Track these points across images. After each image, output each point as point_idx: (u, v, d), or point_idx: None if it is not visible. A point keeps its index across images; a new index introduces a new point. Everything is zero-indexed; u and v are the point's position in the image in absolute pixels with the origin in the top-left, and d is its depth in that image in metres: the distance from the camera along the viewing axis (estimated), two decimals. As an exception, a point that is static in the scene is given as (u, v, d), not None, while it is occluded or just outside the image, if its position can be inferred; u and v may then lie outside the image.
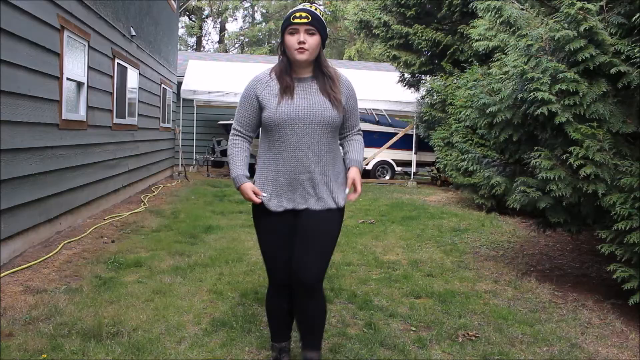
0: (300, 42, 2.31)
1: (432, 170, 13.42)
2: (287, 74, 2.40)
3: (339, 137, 2.55)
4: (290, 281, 2.47)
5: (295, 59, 2.35)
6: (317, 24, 2.33)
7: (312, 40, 2.33)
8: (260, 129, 2.52)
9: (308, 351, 2.54)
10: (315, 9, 2.37)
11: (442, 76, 10.21)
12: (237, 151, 2.49)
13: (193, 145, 13.77)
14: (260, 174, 2.49)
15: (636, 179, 3.53)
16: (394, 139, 12.90)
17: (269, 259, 2.53)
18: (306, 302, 2.48)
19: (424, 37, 10.52)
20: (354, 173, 2.46)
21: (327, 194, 2.42)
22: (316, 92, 2.39)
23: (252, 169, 2.40)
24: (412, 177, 13.29)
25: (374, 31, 12.08)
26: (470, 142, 7.83)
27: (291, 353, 2.85)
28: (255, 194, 2.43)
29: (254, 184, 2.47)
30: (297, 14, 2.32)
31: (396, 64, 11.75)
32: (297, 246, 2.43)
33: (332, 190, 2.43)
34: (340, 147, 2.56)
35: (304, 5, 2.38)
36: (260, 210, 2.48)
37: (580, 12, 3.68)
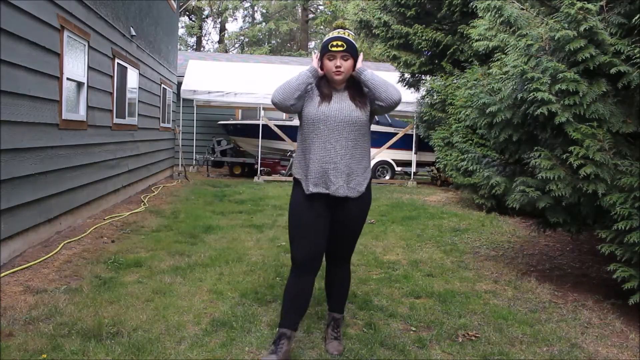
0: (337, 67, 2.80)
1: (432, 170, 13.42)
2: (327, 85, 2.89)
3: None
4: (310, 265, 2.82)
5: (333, 79, 2.84)
6: (351, 50, 2.79)
7: (347, 64, 2.81)
8: (298, 129, 2.96)
9: (334, 312, 3.09)
10: (348, 35, 2.82)
11: (442, 76, 10.20)
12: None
13: (193, 145, 13.77)
14: (296, 160, 2.93)
15: (636, 178, 3.53)
16: (394, 139, 12.90)
17: (296, 239, 2.84)
18: (338, 273, 3.05)
19: (424, 37, 10.52)
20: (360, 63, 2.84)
21: (346, 184, 2.78)
22: (347, 99, 2.85)
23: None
24: (412, 177, 13.29)
25: (374, 31, 12.08)
26: (470, 142, 7.84)
27: (292, 352, 2.85)
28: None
29: (291, 168, 2.81)
30: (335, 43, 2.77)
31: (396, 64, 11.74)
32: (336, 231, 2.87)
33: (352, 181, 2.80)
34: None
35: (338, 32, 2.84)
36: (297, 192, 2.88)
37: (580, 12, 3.68)
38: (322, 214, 2.83)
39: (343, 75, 2.81)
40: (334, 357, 2.88)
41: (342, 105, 2.82)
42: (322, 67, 2.86)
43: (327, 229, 2.86)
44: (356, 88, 2.88)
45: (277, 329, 2.86)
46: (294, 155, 2.90)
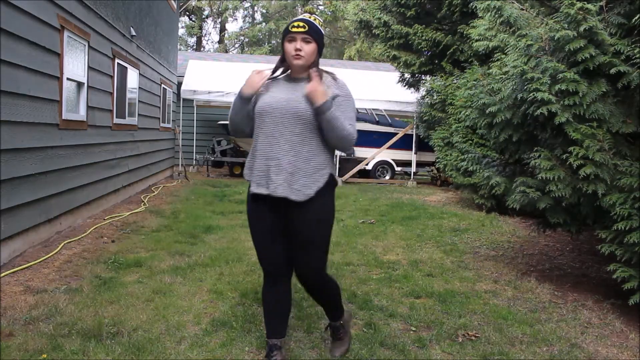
0: (296, 50, 2.53)
1: (432, 170, 13.42)
2: (282, 72, 2.64)
3: None
4: (278, 272, 2.65)
5: (292, 63, 2.57)
6: (313, 34, 2.54)
7: (308, 48, 2.54)
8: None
9: (330, 320, 2.90)
10: (315, 20, 2.58)
11: (442, 76, 10.21)
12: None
13: (193, 145, 13.77)
14: (247, 159, 2.66)
15: (636, 179, 3.53)
16: (394, 139, 12.90)
17: (255, 245, 2.67)
18: (317, 291, 2.75)
19: (424, 37, 10.52)
20: (322, 90, 2.46)
21: (288, 184, 2.48)
22: (302, 88, 2.52)
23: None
24: (412, 177, 13.29)
25: (374, 31, 12.08)
26: (470, 142, 7.83)
27: (291, 353, 2.85)
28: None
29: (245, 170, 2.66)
30: (296, 24, 2.54)
31: (396, 64, 11.74)
32: (291, 243, 2.60)
33: (297, 182, 2.48)
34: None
35: (303, 16, 2.60)
36: (249, 199, 2.63)
37: (580, 12, 3.68)
38: (272, 218, 2.56)
39: (303, 59, 2.53)
40: (324, 355, 2.88)
41: (291, 96, 2.53)
42: (283, 53, 2.60)
43: (280, 233, 2.59)
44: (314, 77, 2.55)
45: (266, 339, 2.74)
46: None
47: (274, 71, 2.66)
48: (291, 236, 2.57)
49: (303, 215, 2.52)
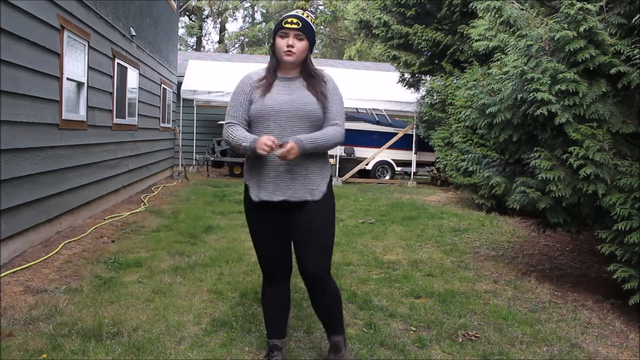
0: (288, 46, 2.50)
1: (432, 170, 13.42)
2: (274, 71, 2.57)
3: (323, 126, 2.59)
4: (281, 273, 2.66)
5: (283, 59, 2.53)
6: (306, 31, 2.51)
7: (300, 45, 2.51)
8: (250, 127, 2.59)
9: (333, 336, 2.68)
10: (307, 17, 2.55)
11: (442, 76, 10.21)
12: (235, 128, 2.54)
13: (193, 145, 13.77)
14: (247, 166, 2.61)
15: (636, 179, 3.53)
16: (394, 139, 12.89)
17: (259, 249, 2.66)
18: (320, 293, 2.61)
19: (424, 37, 10.52)
20: (291, 143, 2.38)
21: (304, 187, 2.51)
22: (301, 88, 2.54)
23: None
24: (412, 177, 13.29)
25: (374, 31, 12.08)
26: (470, 142, 7.83)
27: (291, 353, 2.85)
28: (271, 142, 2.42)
29: (244, 176, 2.63)
30: (289, 19, 2.50)
31: (396, 64, 11.75)
32: (296, 242, 2.58)
33: (310, 183, 2.52)
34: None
35: (296, 12, 2.56)
36: (249, 204, 2.61)
37: (580, 12, 3.68)
38: (279, 222, 2.56)
39: (295, 56, 2.50)
40: (325, 356, 2.86)
41: (293, 96, 2.50)
42: (273, 48, 2.56)
43: (285, 235, 2.58)
44: (312, 77, 2.57)
45: (266, 340, 2.76)
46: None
47: (269, 72, 2.58)
48: (300, 235, 2.54)
49: (315, 212, 2.52)
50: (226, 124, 2.59)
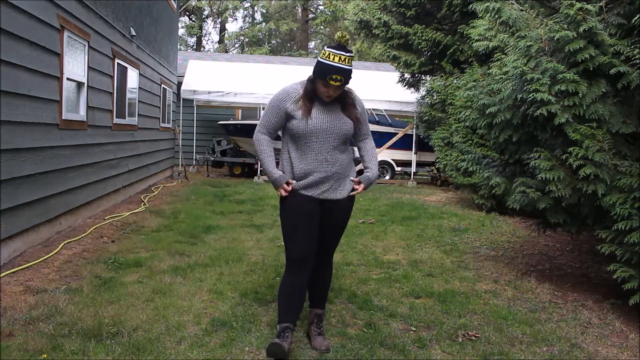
0: (329, 95, 2.86)
1: (432, 170, 13.42)
2: (312, 97, 2.91)
3: (356, 140, 3.14)
4: (308, 259, 2.92)
5: (322, 99, 2.89)
6: (347, 81, 2.81)
7: (339, 91, 2.87)
8: (281, 132, 3.01)
9: (317, 309, 3.14)
10: (348, 62, 2.76)
11: (442, 76, 10.21)
12: (265, 145, 2.97)
13: (193, 145, 13.77)
14: (284, 167, 2.98)
15: (636, 179, 3.53)
16: (394, 139, 12.89)
17: (293, 234, 2.92)
18: (323, 270, 3.12)
19: (424, 37, 10.52)
20: (362, 187, 3.03)
21: (342, 187, 2.98)
22: (337, 111, 2.93)
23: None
24: (412, 177, 13.30)
25: (374, 31, 12.08)
26: (470, 142, 7.84)
27: (292, 352, 2.85)
28: (288, 183, 2.92)
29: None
30: (335, 77, 2.75)
31: (396, 64, 11.75)
32: (327, 231, 2.99)
33: (346, 184, 2.99)
34: (357, 149, 3.17)
35: (340, 61, 2.75)
36: (298, 197, 2.93)
37: (580, 12, 3.68)
38: (317, 212, 2.93)
39: (331, 98, 2.88)
40: (325, 355, 2.90)
41: (332, 117, 2.90)
42: (314, 82, 2.86)
43: (317, 227, 2.95)
44: (346, 100, 2.96)
45: (278, 325, 2.90)
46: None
47: (307, 96, 2.89)
48: (331, 227, 3.00)
49: (346, 208, 3.03)
50: (258, 130, 2.97)
